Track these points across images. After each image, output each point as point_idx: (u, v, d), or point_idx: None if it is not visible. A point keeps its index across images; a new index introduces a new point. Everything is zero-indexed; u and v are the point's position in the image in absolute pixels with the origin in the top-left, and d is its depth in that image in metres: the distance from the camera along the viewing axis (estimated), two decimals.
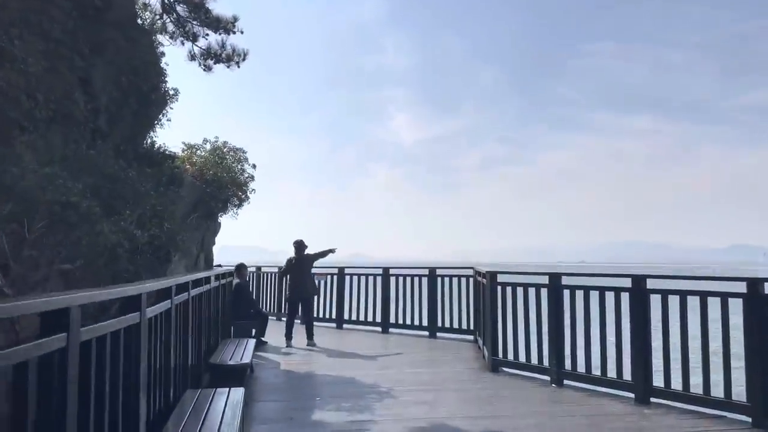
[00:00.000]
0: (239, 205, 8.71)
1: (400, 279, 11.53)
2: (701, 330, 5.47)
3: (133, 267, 5.37)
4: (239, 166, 8.66)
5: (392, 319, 11.48)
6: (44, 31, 6.24)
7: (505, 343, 7.44)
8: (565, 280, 6.82)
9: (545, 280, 7.04)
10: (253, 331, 9.62)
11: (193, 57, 8.68)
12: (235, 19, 8.66)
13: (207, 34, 8.44)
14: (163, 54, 8.63)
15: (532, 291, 7.14)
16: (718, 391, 5.43)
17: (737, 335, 5.22)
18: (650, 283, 5.99)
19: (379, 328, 11.54)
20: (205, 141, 8.63)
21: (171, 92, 8.16)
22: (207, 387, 5.78)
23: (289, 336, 9.67)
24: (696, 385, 5.45)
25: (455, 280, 10.73)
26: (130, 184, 4.93)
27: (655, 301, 5.88)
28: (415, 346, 9.74)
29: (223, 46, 8.46)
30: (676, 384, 5.65)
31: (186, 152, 8.57)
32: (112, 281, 5.39)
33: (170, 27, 8.72)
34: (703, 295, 5.52)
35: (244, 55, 8.42)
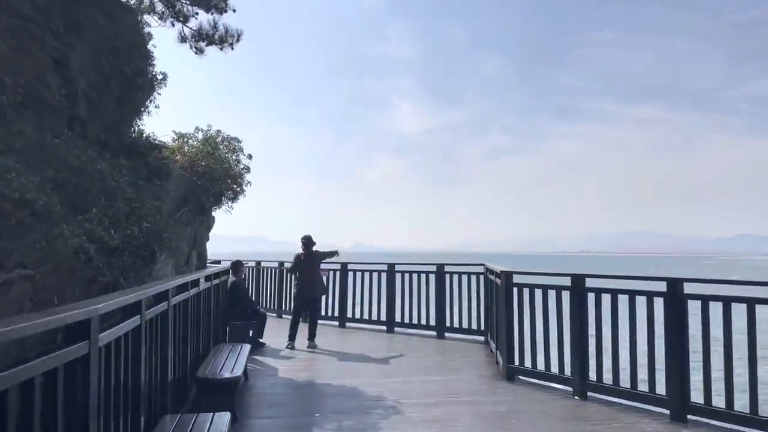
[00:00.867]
0: (234, 198, 8.08)
1: (406, 276, 10.93)
2: (748, 340, 4.86)
3: (110, 271, 4.77)
4: (234, 157, 8.03)
5: (398, 318, 10.90)
6: (12, 6, 5.60)
7: (522, 349, 6.84)
8: (588, 282, 6.20)
9: (565, 281, 6.43)
10: (251, 332, 9.05)
11: (183, 39, 8.03)
12: None
13: (197, 14, 7.80)
14: (150, 36, 7.97)
15: (552, 293, 6.52)
16: (766, 410, 4.83)
17: None
18: (687, 288, 5.38)
19: (383, 328, 10.97)
20: (197, 130, 8.00)
21: (159, 77, 7.51)
22: (194, 403, 5.21)
23: (292, 337, 9.09)
24: (743, 404, 4.84)
25: (464, 278, 10.12)
26: (100, 178, 4.32)
27: (694, 308, 5.26)
28: (423, 348, 9.15)
29: (215, 26, 7.82)
30: (718, 400, 5.05)
31: (177, 142, 7.94)
32: (84, 288, 4.79)
33: (159, 6, 8.07)
34: (751, 302, 4.90)
35: (238, 36, 7.78)
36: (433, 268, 10.54)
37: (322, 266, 11.73)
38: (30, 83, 5.53)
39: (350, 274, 11.78)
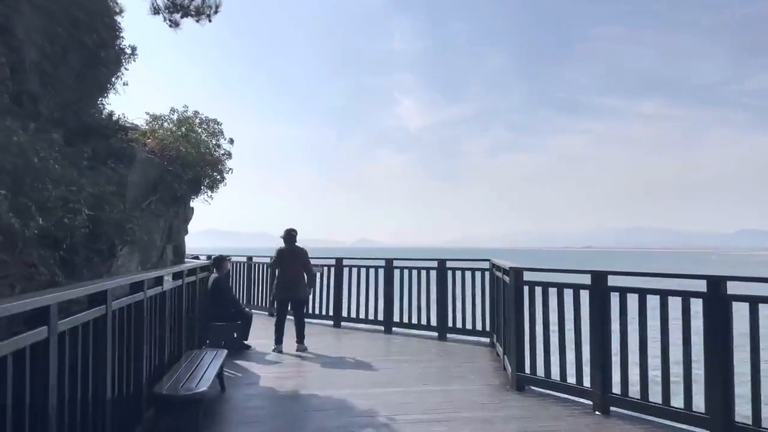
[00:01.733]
0: (213, 187, 7.30)
1: (405, 272, 10.15)
2: None
3: (46, 266, 4.00)
4: (213, 141, 7.25)
5: (396, 318, 10.12)
6: None
7: (534, 356, 6.05)
8: (611, 281, 5.40)
9: (582, 279, 5.65)
10: (235, 333, 8.28)
11: (156, 11, 7.25)
12: None
13: None
14: (121, 9, 7.16)
15: (568, 293, 5.73)
16: None
17: None
18: (731, 287, 4.59)
19: (381, 328, 10.19)
20: (173, 111, 7.21)
21: (128, 51, 6.72)
22: (151, 424, 4.44)
23: (278, 340, 8.32)
24: None
25: (468, 274, 9.33)
26: (17, 153, 3.54)
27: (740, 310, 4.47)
28: (423, 351, 8.38)
29: None
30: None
31: (150, 125, 7.16)
32: (25, 286, 4.03)
33: None
34: None
35: (216, 6, 7.00)
36: (435, 264, 9.76)
37: (316, 263, 10.97)
38: None
39: (346, 270, 11.00)
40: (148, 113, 7.29)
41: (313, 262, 11.25)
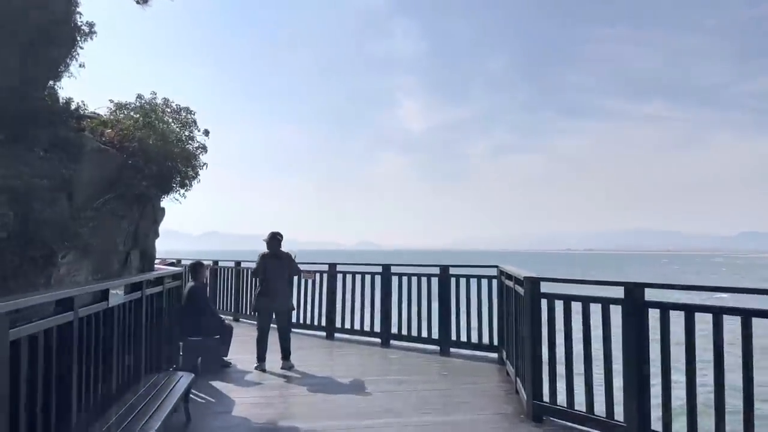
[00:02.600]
0: (186, 185, 6.42)
1: (404, 279, 9.26)
2: None
3: None
4: (186, 133, 6.39)
5: (394, 329, 9.24)
6: None
7: (554, 381, 5.15)
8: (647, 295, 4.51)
9: (610, 291, 4.77)
10: (213, 350, 7.40)
11: None
12: None
13: None
14: None
15: (596, 308, 4.84)
16: None
17: None
18: None
19: (378, 340, 9.31)
20: (139, 97, 6.33)
21: (84, 29, 5.85)
22: None
23: (261, 357, 7.43)
24: None
25: (474, 282, 8.44)
26: None
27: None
28: (423, 369, 7.49)
29: None
30: None
31: (115, 114, 6.29)
32: None
33: None
34: None
35: None
36: (437, 271, 8.87)
37: (304, 267, 10.10)
38: None
39: (339, 276, 10.12)
40: (112, 101, 6.42)
41: (306, 267, 10.43)
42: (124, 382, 4.59)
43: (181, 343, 6.99)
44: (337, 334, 9.92)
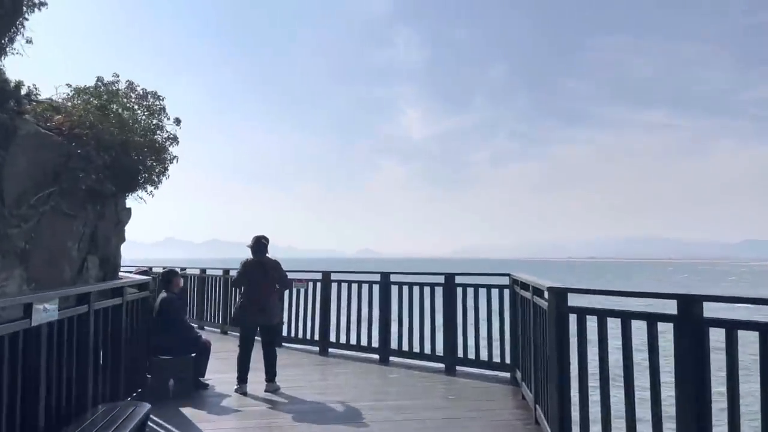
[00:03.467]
0: (154, 182, 5.57)
1: (405, 288, 8.38)
2: None
3: None
4: (153, 121, 5.55)
5: (394, 344, 8.34)
6: None
7: (585, 412, 4.26)
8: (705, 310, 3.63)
9: (655, 305, 3.90)
10: (187, 370, 6.51)
11: None
12: None
13: None
14: None
15: (639, 325, 3.96)
16: None
17: None
18: None
19: (376, 356, 8.41)
20: (99, 80, 5.50)
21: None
22: None
23: (242, 378, 6.53)
24: None
25: (482, 292, 7.55)
26: None
27: None
28: (427, 391, 6.59)
29: None
30: None
31: (72, 100, 5.45)
32: None
33: None
34: None
35: None
36: (441, 280, 7.98)
37: (298, 277, 9.24)
38: None
39: (334, 286, 9.24)
40: (69, 86, 5.59)
41: (297, 276, 9.56)
42: (56, 418, 3.70)
43: (149, 363, 6.11)
44: (331, 350, 9.03)
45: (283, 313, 8.91)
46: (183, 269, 12.48)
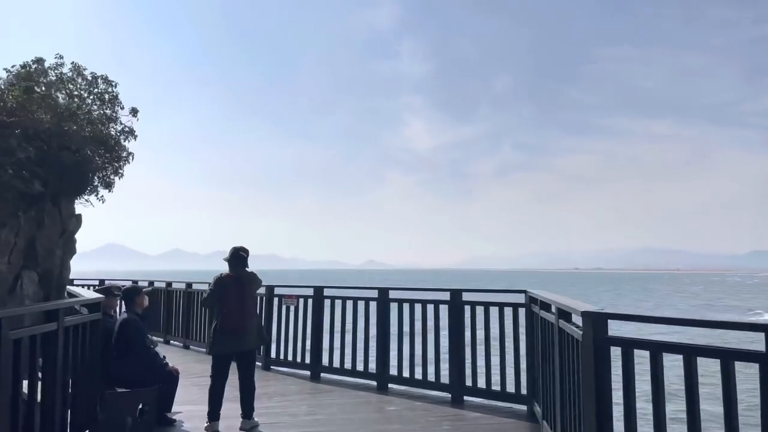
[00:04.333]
0: (108, 182, 4.67)
1: (405, 307, 7.43)
2: None
3: None
4: (105, 110, 4.66)
5: (393, 369, 7.38)
6: None
7: None
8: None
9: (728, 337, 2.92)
10: (146, 404, 5.56)
11: None
12: None
13: None
14: None
15: (706, 363, 3.00)
16: None
17: None
18: None
19: (373, 383, 7.45)
20: (38, 62, 4.63)
21: None
22: None
23: (213, 414, 5.55)
24: None
25: (494, 311, 6.59)
26: None
27: None
28: (431, 428, 5.62)
29: None
30: None
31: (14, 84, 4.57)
32: None
33: None
34: None
35: None
36: (446, 297, 7.03)
37: (288, 292, 8.32)
38: None
39: (327, 303, 8.30)
40: (7, 70, 4.71)
41: (285, 292, 8.65)
42: None
43: (101, 398, 5.17)
44: (324, 374, 8.07)
45: (269, 331, 8.08)
46: (151, 283, 11.95)
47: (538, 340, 5.56)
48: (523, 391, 6.13)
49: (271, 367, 8.73)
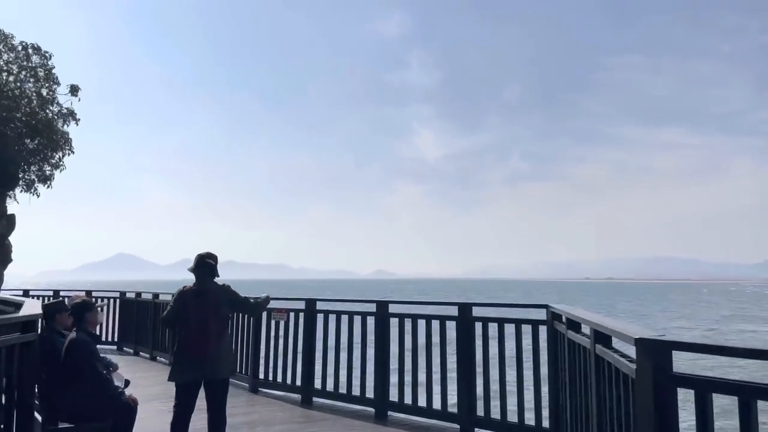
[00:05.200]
0: (46, 175, 3.82)
1: (407, 323, 6.51)
2: None
3: None
4: (37, 86, 3.79)
5: (394, 395, 6.45)
6: None
7: None
8: None
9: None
10: None
11: None
12: None
13: None
14: None
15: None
16: None
17: None
18: None
19: (371, 410, 6.53)
20: None
21: None
22: None
23: None
24: None
25: (509, 329, 5.65)
26: None
27: None
28: None
29: None
30: None
31: None
32: None
33: None
34: None
35: None
36: (454, 312, 6.10)
37: (276, 305, 7.43)
38: None
39: (320, 318, 7.38)
40: None
41: (276, 305, 7.72)
42: None
43: None
44: (316, 399, 7.16)
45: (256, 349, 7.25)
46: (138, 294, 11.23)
47: (564, 365, 4.63)
48: (545, 423, 5.18)
49: (259, 389, 7.83)
